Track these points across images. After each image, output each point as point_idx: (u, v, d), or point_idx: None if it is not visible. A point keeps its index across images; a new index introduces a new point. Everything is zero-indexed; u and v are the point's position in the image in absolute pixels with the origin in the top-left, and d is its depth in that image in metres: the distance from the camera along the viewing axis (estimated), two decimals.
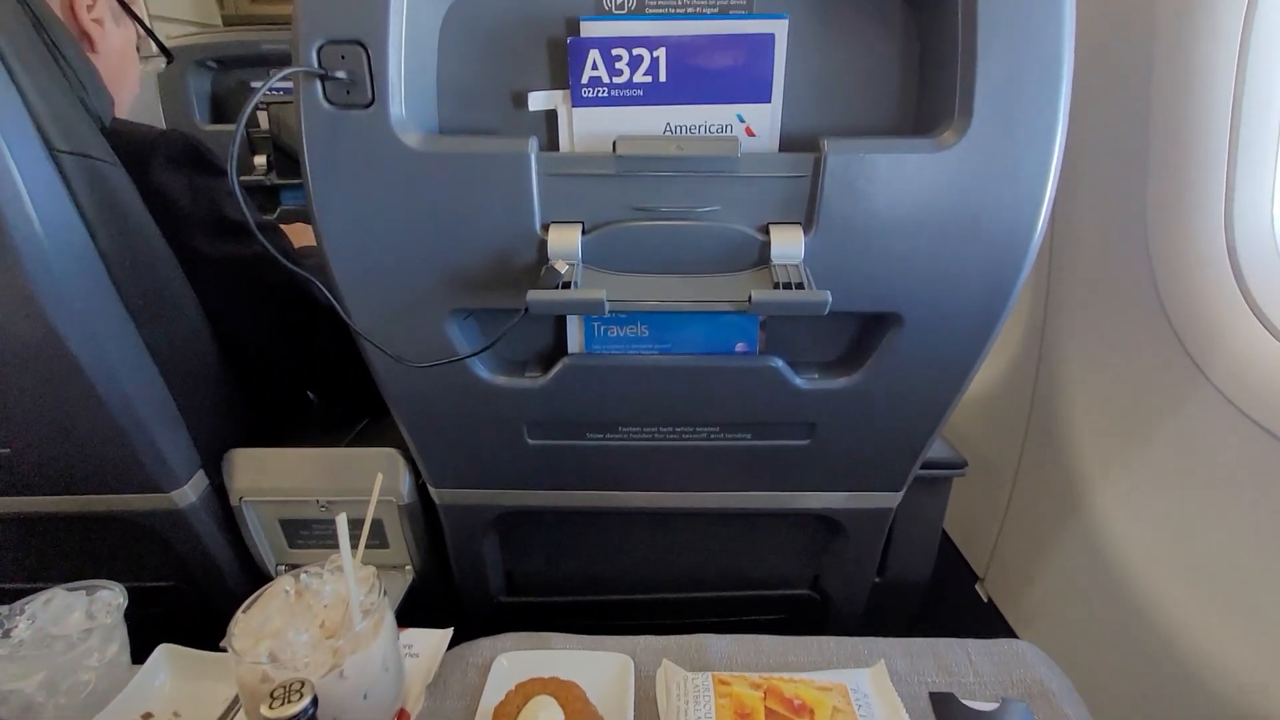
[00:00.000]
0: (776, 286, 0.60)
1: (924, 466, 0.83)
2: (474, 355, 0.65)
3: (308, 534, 0.93)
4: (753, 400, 0.74)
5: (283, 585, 0.48)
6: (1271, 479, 0.69)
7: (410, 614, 0.92)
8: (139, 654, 0.61)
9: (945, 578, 1.09)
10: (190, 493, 0.85)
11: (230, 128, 1.73)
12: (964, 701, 0.55)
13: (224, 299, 0.83)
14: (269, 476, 0.89)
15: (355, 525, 0.93)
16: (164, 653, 0.60)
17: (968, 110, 0.58)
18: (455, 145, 0.60)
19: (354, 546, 0.49)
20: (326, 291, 0.65)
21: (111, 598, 0.58)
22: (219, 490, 0.90)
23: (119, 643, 0.58)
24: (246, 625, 0.45)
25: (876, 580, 0.97)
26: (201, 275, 0.81)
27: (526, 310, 0.58)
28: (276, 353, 0.92)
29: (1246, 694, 0.69)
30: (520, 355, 0.75)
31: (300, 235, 1.07)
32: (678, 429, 0.77)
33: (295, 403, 1.08)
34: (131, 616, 0.65)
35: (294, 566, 0.67)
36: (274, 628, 0.44)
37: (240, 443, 0.90)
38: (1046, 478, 1.04)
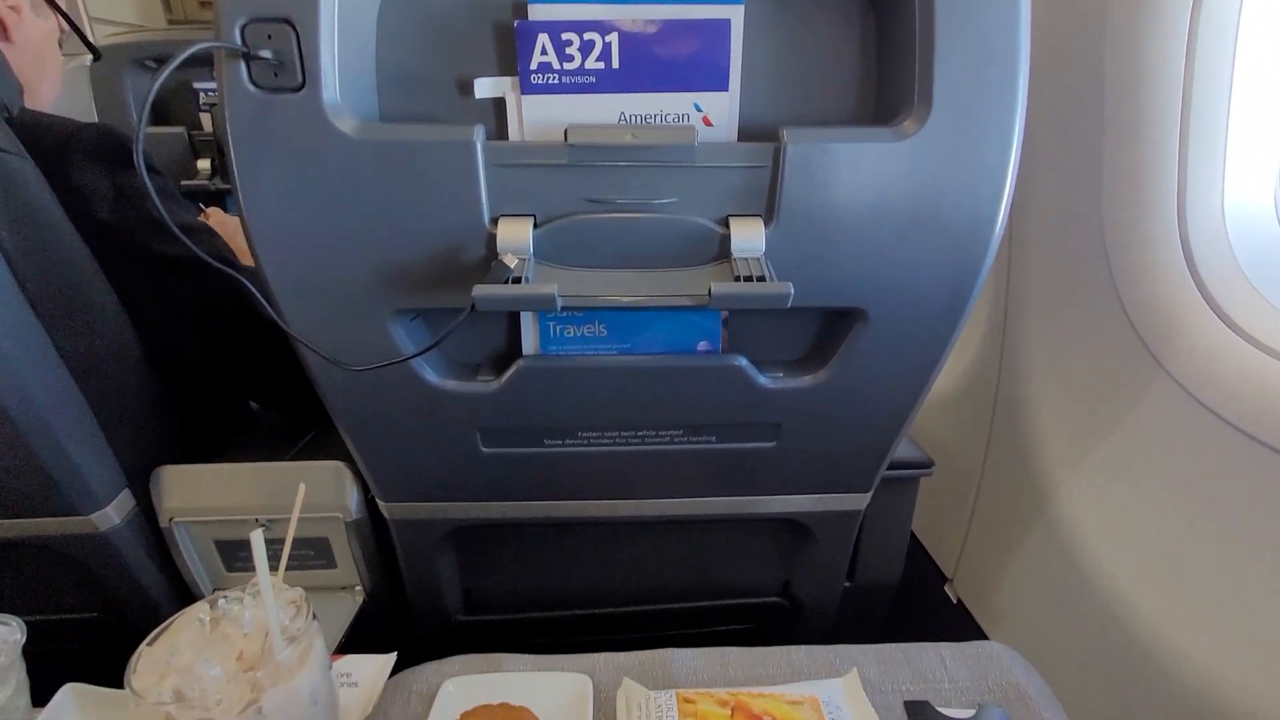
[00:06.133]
0: (737, 280, 0.57)
1: (891, 467, 0.82)
2: (416, 356, 0.61)
3: (246, 555, 0.86)
4: (716, 401, 0.71)
5: (196, 613, 0.43)
6: (1231, 470, 0.69)
7: (360, 639, 0.87)
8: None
9: (914, 580, 1.08)
10: (113, 515, 0.78)
11: (170, 129, 1.65)
12: (940, 709, 0.53)
13: (152, 305, 0.77)
14: (202, 495, 0.82)
15: (304, 544, 0.89)
16: (69, 694, 0.53)
17: (926, 99, 0.57)
18: (395, 133, 0.57)
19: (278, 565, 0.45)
20: (258, 294, 0.60)
21: (7, 633, 0.52)
22: (146, 511, 0.83)
23: (15, 685, 0.51)
24: (151, 660, 0.40)
25: (846, 584, 0.95)
26: (127, 279, 0.75)
27: (474, 308, 0.55)
28: (211, 362, 0.86)
29: (1214, 685, 0.68)
30: (472, 358, 0.71)
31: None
32: (640, 433, 0.74)
33: (235, 415, 1.02)
34: (47, 654, 0.59)
35: None
36: (182, 661, 0.39)
37: (171, 458, 0.83)
38: (1012, 476, 1.04)
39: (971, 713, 0.53)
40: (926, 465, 0.91)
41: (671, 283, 0.60)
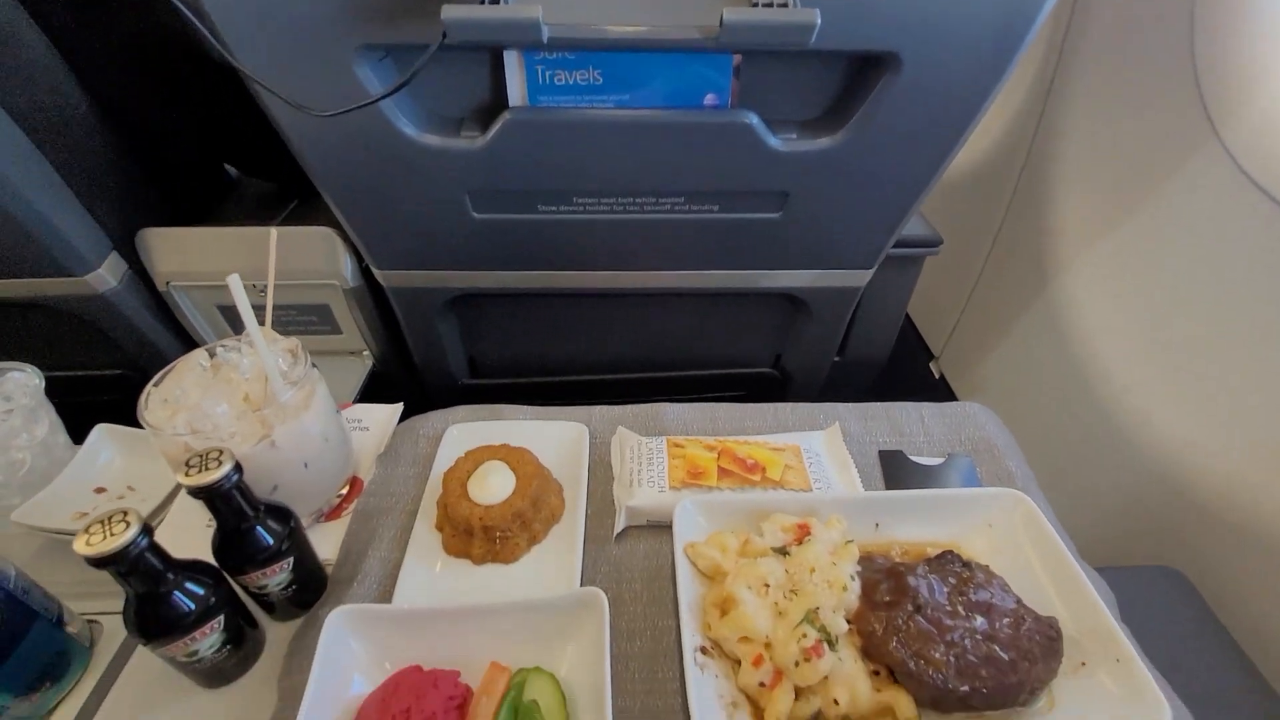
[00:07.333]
0: (755, 7, 0.48)
1: (897, 245, 0.79)
2: (386, 96, 0.55)
3: None
4: (722, 164, 0.66)
5: (197, 359, 0.44)
6: (1268, 252, 0.66)
7: (375, 399, 0.92)
8: None
9: (900, 355, 1.12)
10: (108, 277, 0.78)
11: None
12: (911, 457, 0.57)
13: (83, 43, 0.68)
14: (192, 259, 0.81)
15: (306, 310, 0.90)
16: (102, 431, 0.58)
17: None
18: None
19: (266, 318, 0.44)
20: (197, 22, 0.52)
21: (24, 379, 0.54)
22: (143, 276, 0.82)
23: (48, 423, 0.55)
24: (160, 398, 0.41)
25: (836, 359, 0.98)
26: (48, 13, 0.64)
27: (445, 37, 0.47)
28: (165, 114, 0.78)
29: (1174, 449, 0.74)
30: (454, 111, 0.64)
31: None
32: (639, 200, 0.70)
33: (214, 181, 0.97)
34: (85, 405, 0.63)
35: None
36: (190, 400, 0.41)
37: (154, 223, 0.81)
38: (1020, 257, 1.02)
39: (940, 460, 0.57)
40: (934, 244, 0.88)
41: (677, 10, 0.51)
